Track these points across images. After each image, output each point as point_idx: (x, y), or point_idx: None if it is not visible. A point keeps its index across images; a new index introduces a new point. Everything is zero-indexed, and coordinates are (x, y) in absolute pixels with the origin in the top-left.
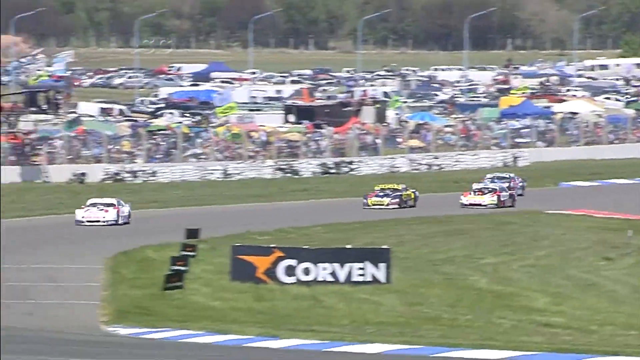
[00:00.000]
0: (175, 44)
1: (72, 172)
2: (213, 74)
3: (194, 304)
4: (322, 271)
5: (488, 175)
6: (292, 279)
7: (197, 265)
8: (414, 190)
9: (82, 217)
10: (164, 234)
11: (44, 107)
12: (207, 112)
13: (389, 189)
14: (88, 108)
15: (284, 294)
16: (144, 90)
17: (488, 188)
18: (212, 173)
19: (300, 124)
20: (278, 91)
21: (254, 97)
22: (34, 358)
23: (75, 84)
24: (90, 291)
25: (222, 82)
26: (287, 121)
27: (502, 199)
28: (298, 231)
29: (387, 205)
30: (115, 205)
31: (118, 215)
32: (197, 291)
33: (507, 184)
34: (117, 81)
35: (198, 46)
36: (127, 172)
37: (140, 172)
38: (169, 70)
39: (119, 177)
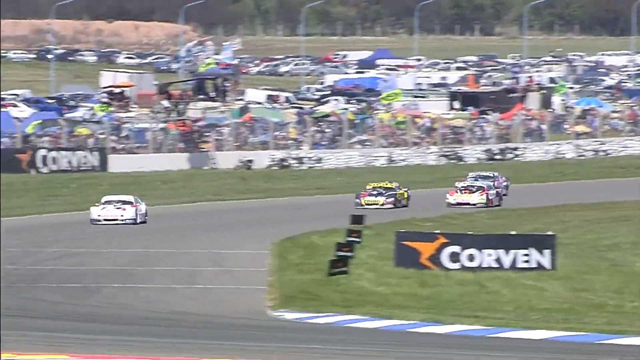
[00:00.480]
0: (341, 31)
1: (239, 158)
2: (378, 61)
3: (359, 289)
4: (487, 257)
5: (471, 174)
6: (456, 265)
7: (362, 251)
8: (406, 189)
9: (99, 215)
10: (329, 220)
11: (212, 94)
12: (372, 99)
13: (382, 187)
14: (255, 95)
15: (448, 280)
16: (310, 77)
17: (475, 186)
18: (376, 159)
19: (465, 110)
20: (443, 78)
21: (419, 84)
22: (199, 342)
23: (243, 71)
24: (256, 276)
25: (387, 69)
26: (452, 108)
27: (490, 198)
28: (462, 217)
29: (382, 204)
30: (133, 202)
31: (136, 214)
32: (361, 276)
33: (492, 183)
34: (283, 69)
35: (364, 33)
36: (293, 158)
37: (306, 159)
38: (335, 58)
39: (285, 164)
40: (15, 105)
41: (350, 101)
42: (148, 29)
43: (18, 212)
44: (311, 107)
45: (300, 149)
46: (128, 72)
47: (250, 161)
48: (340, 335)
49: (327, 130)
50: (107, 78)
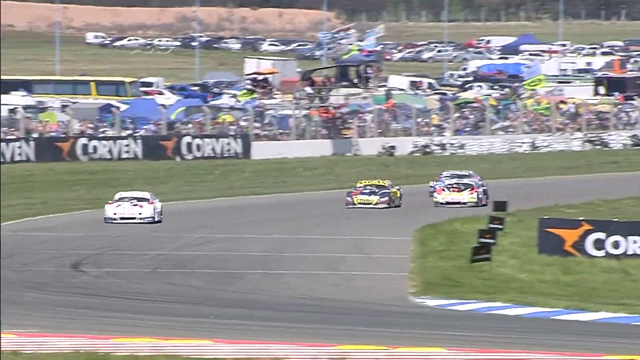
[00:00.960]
0: (485, 16)
1: (382, 144)
2: (522, 47)
3: (501, 276)
4: (633, 244)
5: (444, 173)
6: (600, 252)
7: (505, 237)
8: (398, 188)
9: (114, 213)
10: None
11: (355, 81)
12: (515, 85)
13: (374, 185)
14: (398, 82)
15: (592, 267)
16: (453, 63)
17: (463, 184)
18: (520, 146)
19: (611, 95)
20: (588, 63)
21: (564, 69)
22: (342, 328)
23: (386, 58)
24: (398, 263)
25: (531, 54)
26: (597, 93)
27: (479, 196)
28: (607, 204)
29: (376, 204)
30: (149, 199)
31: (154, 211)
32: (504, 263)
33: (477, 180)
34: (426, 55)
35: (507, 19)
36: (436, 144)
37: (449, 145)
38: (478, 44)
39: (427, 150)
40: (160, 93)
41: (494, 87)
42: (292, 16)
43: (162, 199)
44: (454, 94)
45: (443, 135)
46: (272, 59)
47: (392, 147)
48: (482, 322)
49: (469, 116)
50: (251, 65)
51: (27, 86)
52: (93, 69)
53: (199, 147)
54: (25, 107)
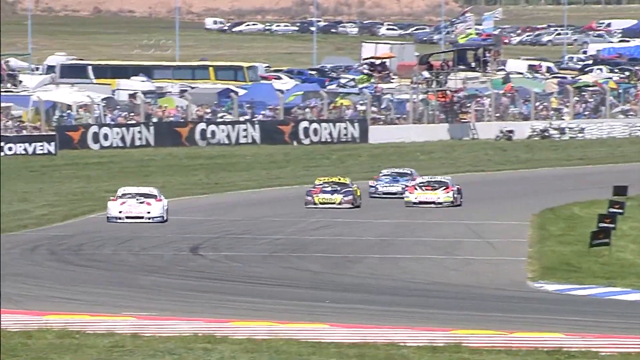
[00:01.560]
0: None
1: (500, 129)
2: None
3: (621, 261)
4: None
5: (384, 171)
6: None
7: (625, 222)
8: (356, 186)
9: (120, 212)
10: (591, 191)
11: (473, 65)
12: (636, 68)
13: (335, 183)
14: (516, 65)
15: None
16: (573, 47)
17: (436, 182)
18: None
19: None
20: None
21: None
22: (458, 313)
23: (504, 41)
24: (516, 247)
25: None
26: None
27: (454, 195)
28: None
29: (340, 203)
30: (157, 196)
31: (163, 209)
32: (624, 248)
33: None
34: (545, 38)
35: (629, 1)
36: (554, 128)
37: (567, 129)
38: (599, 26)
39: (546, 134)
40: (278, 78)
41: (614, 70)
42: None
43: (279, 183)
44: (573, 77)
45: (562, 119)
46: (389, 43)
47: (510, 132)
48: (601, 307)
49: (589, 100)
50: (368, 49)
51: (147, 71)
52: (212, 54)
53: (316, 132)
54: (145, 93)
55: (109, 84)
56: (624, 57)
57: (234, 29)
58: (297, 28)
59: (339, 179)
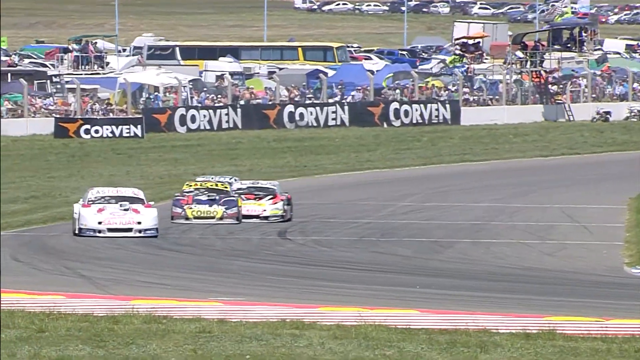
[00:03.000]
0: None
1: (596, 110)
2: None
3: None
4: None
5: (199, 178)
6: None
7: None
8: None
9: (99, 222)
10: None
11: (569, 44)
12: None
13: (210, 189)
14: (614, 45)
15: None
16: None
17: (262, 188)
18: None
19: None
20: None
21: None
22: (552, 299)
23: (601, 20)
24: (613, 232)
25: None
26: None
27: (285, 207)
28: None
29: (222, 218)
30: (144, 201)
31: (156, 219)
32: None
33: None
34: None
35: None
36: None
37: None
38: None
39: None
40: (368, 58)
41: None
42: None
43: (369, 166)
44: None
45: None
46: (482, 23)
47: (607, 113)
48: None
49: None
50: (461, 29)
51: (234, 52)
52: (301, 34)
53: (406, 114)
54: (233, 74)
55: (196, 65)
56: None
57: (323, 9)
58: (387, 8)
59: (217, 185)
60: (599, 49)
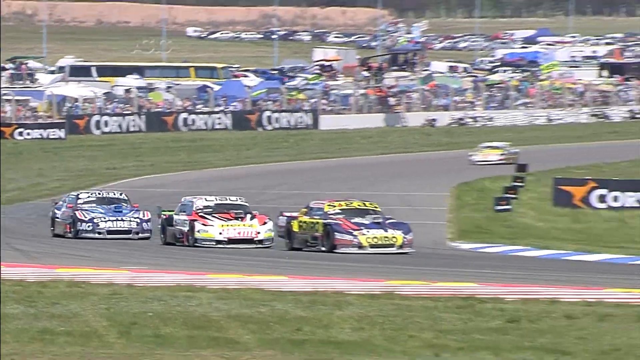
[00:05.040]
0: (510, 13)
1: (425, 118)
2: (540, 38)
3: (522, 225)
4: (629, 199)
5: (84, 195)
6: (603, 205)
7: (525, 193)
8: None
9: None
10: (498, 168)
11: (404, 66)
12: (534, 69)
13: (360, 209)
14: (439, 66)
15: (596, 218)
16: (483, 52)
17: (233, 205)
18: (537, 119)
19: (612, 77)
20: (594, 51)
21: (573, 56)
22: (392, 267)
23: (429, 47)
24: (438, 214)
25: (547, 44)
26: (600, 76)
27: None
28: (609, 166)
29: (402, 247)
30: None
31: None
32: (524, 214)
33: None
34: (462, 45)
35: (528, 15)
36: (469, 117)
37: (480, 118)
38: (504, 36)
39: (462, 122)
40: (246, 76)
41: (516, 71)
42: (353, 13)
43: (248, 162)
44: (484, 76)
45: (475, 109)
46: (336, 48)
47: (434, 120)
48: (506, 262)
49: (497, 94)
50: (319, 53)
51: (139, 71)
52: (193, 57)
53: (277, 120)
54: (138, 88)
55: (109, 81)
56: (524, 60)
57: (210, 37)
58: (261, 36)
59: (366, 204)
60: (427, 70)
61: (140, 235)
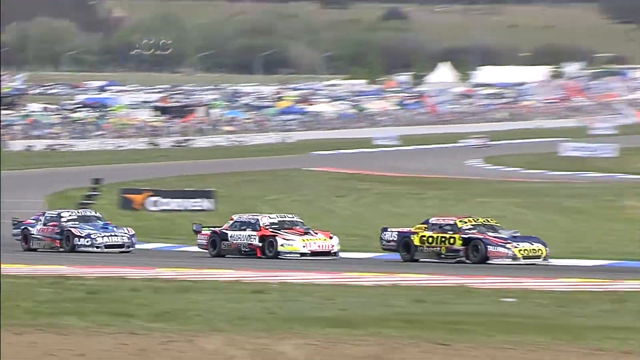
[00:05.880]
0: (87, 69)
1: (23, 144)
2: (110, 87)
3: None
4: (173, 203)
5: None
6: (156, 208)
7: (100, 200)
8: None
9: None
10: (82, 181)
11: (9, 106)
12: (106, 109)
13: (486, 225)
14: (35, 107)
15: (150, 217)
16: (68, 96)
17: (295, 222)
18: (109, 145)
19: (161, 116)
20: (148, 98)
21: (134, 101)
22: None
23: (28, 92)
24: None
25: (116, 92)
26: (154, 115)
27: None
28: (161, 180)
29: (545, 258)
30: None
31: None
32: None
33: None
34: (52, 91)
35: (101, 70)
36: (58, 144)
37: (66, 144)
38: (84, 85)
39: (53, 148)
40: None
41: (93, 111)
42: None
43: None
44: (69, 114)
45: (62, 139)
46: None
47: (31, 146)
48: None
49: (79, 127)
50: None
51: None
52: None
53: None
54: None
55: None
56: (99, 103)
57: None
58: None
59: (490, 220)
60: (25, 109)
61: (130, 248)
